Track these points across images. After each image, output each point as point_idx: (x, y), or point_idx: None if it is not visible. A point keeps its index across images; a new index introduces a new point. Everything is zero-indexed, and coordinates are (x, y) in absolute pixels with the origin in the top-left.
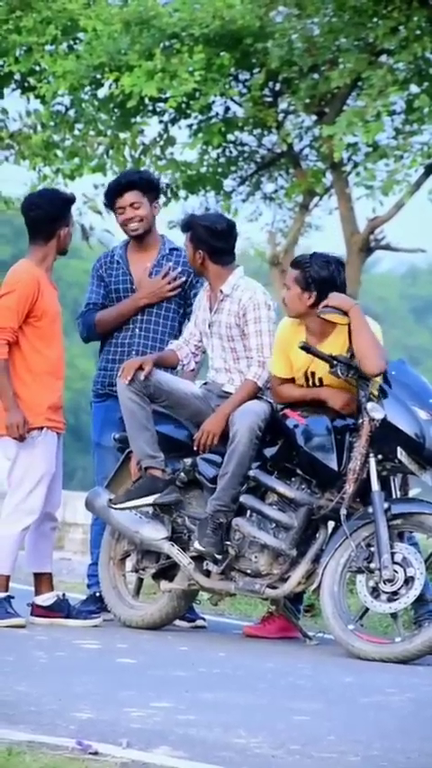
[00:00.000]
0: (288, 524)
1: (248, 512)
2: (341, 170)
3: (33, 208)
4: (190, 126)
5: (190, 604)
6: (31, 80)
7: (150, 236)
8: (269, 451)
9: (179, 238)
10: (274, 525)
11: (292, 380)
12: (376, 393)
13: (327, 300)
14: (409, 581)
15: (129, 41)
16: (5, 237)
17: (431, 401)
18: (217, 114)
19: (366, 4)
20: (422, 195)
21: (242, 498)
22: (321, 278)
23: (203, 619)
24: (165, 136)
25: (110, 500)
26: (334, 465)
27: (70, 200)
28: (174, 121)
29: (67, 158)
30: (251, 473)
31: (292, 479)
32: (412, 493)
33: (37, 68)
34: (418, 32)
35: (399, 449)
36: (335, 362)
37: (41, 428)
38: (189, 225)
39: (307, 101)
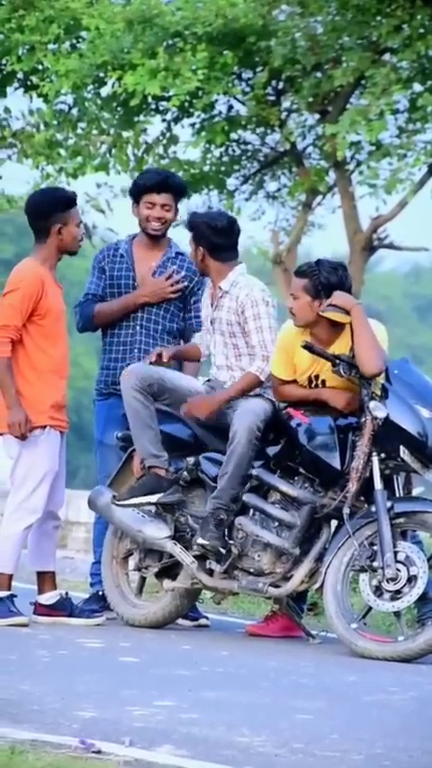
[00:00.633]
0: (291, 523)
1: (251, 510)
2: (344, 169)
3: (29, 205)
4: (193, 125)
5: (193, 603)
6: (34, 79)
7: (162, 237)
8: (272, 450)
9: (181, 237)
10: (277, 524)
11: (295, 382)
12: (379, 392)
13: (330, 299)
14: (411, 580)
15: (132, 40)
16: (8, 236)
17: None
18: (220, 113)
19: (370, 2)
20: (425, 194)
21: (245, 497)
22: (331, 284)
23: (206, 617)
24: (168, 134)
25: (113, 496)
26: (337, 464)
27: (67, 197)
28: (177, 120)
29: (70, 157)
30: (254, 472)
31: (295, 478)
32: (416, 491)
33: (40, 67)
34: (421, 31)
35: (401, 447)
36: (337, 361)
37: (44, 427)
38: (192, 223)
39: (310, 99)
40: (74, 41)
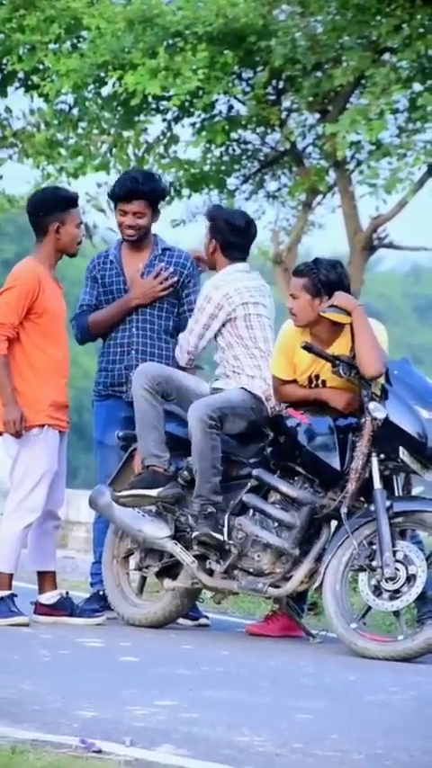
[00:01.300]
0: (291, 523)
1: (251, 511)
2: (344, 168)
3: (30, 203)
4: (193, 124)
5: (193, 603)
6: (35, 78)
7: (144, 238)
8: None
9: (181, 237)
10: (276, 524)
11: (295, 382)
12: (378, 393)
13: (331, 300)
14: (411, 579)
15: (132, 40)
16: (9, 236)
17: None
18: (220, 112)
19: (370, 1)
20: (425, 193)
21: (245, 497)
22: (330, 281)
23: (206, 617)
24: (168, 134)
25: (113, 490)
26: (336, 464)
27: (68, 197)
28: (177, 120)
29: (71, 157)
30: (254, 472)
31: (295, 478)
32: (415, 491)
33: (40, 67)
34: (421, 30)
35: (401, 448)
36: (337, 362)
37: (42, 426)
38: (212, 215)
39: (310, 99)
40: (74, 41)
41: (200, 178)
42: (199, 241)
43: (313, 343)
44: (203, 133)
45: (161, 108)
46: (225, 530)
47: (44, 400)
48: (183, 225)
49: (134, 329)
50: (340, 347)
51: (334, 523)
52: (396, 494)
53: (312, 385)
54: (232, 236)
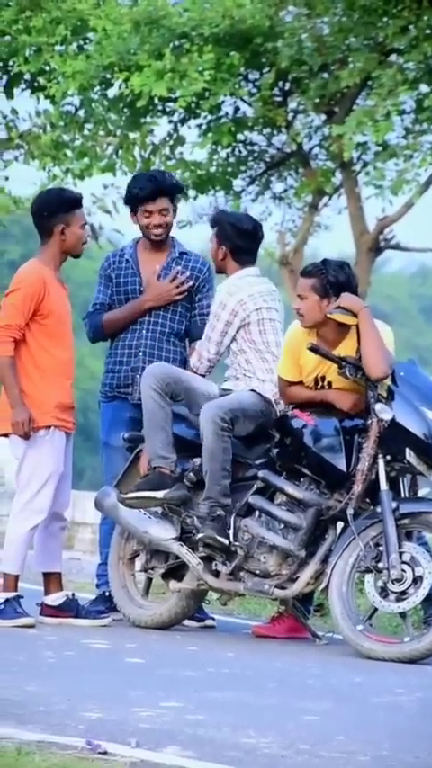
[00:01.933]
0: (297, 525)
1: (257, 512)
2: (351, 169)
3: (35, 204)
4: (199, 126)
5: (199, 604)
6: (41, 80)
7: (165, 239)
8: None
9: (188, 238)
10: (282, 526)
11: (301, 383)
12: (385, 394)
13: (338, 301)
14: (417, 580)
15: (138, 41)
16: (15, 237)
17: None
18: (226, 114)
19: (376, 3)
20: None
21: (251, 499)
22: (339, 282)
23: (212, 618)
24: (174, 135)
25: (119, 491)
26: (343, 466)
27: (72, 198)
28: (183, 121)
29: (77, 158)
30: (260, 474)
31: (301, 480)
32: (422, 493)
33: (47, 68)
34: (428, 32)
35: (407, 450)
36: (343, 364)
37: (48, 427)
38: (216, 221)
39: (317, 100)
40: (81, 43)
41: (206, 179)
42: (204, 242)
43: (319, 344)
44: (210, 134)
45: (167, 109)
46: (231, 531)
47: (50, 401)
48: (189, 226)
49: (144, 331)
50: (346, 348)
51: (340, 525)
52: (402, 495)
53: (318, 386)
54: (241, 240)
